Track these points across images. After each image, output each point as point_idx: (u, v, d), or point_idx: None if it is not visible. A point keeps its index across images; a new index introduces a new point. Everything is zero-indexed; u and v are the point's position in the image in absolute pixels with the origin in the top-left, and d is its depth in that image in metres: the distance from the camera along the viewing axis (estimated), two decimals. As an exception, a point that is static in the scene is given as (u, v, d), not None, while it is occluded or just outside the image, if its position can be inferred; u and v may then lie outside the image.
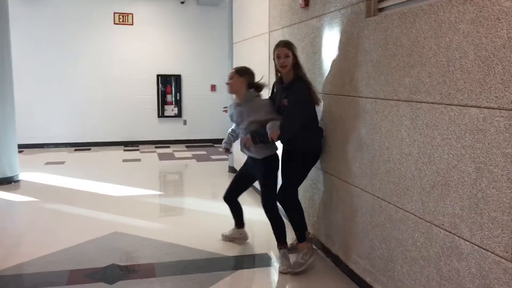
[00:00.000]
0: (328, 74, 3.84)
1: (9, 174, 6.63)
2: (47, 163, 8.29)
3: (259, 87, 3.89)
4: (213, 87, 10.83)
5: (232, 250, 4.23)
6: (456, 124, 2.31)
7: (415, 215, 2.68)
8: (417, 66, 2.61)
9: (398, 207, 2.84)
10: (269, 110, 3.77)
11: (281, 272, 3.68)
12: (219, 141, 10.63)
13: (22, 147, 8.46)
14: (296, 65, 3.64)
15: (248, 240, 4.42)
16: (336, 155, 3.72)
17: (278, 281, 3.70)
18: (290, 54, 3.58)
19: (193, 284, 3.52)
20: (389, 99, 2.91)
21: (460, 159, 2.30)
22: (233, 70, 4.01)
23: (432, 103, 2.49)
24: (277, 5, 5.13)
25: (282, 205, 3.82)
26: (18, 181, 6.76)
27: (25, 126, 9.12)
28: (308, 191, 4.34)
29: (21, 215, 5.48)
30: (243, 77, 3.86)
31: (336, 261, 3.79)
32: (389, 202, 2.95)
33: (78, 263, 3.87)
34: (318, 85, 3.99)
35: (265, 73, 5.56)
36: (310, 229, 4.31)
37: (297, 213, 3.79)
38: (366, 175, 3.24)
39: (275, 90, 3.96)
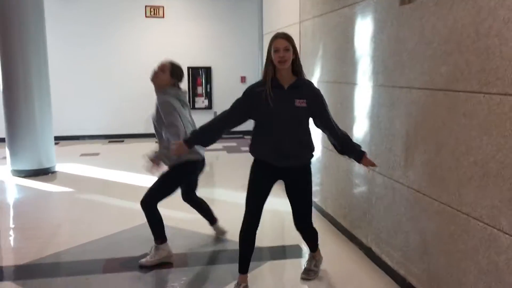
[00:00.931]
0: (360, 63, 3.77)
1: (46, 165, 6.82)
2: (82, 155, 8.48)
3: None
4: (243, 79, 10.82)
5: (263, 241, 4.23)
6: (495, 113, 2.24)
7: (451, 207, 2.61)
8: (455, 54, 2.53)
9: (434, 199, 2.78)
10: None
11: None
12: (249, 132, 10.66)
13: (58, 139, 8.67)
14: (296, 61, 3.04)
15: (273, 231, 4.41)
16: (369, 147, 3.66)
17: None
18: (291, 47, 2.96)
19: (225, 274, 3.55)
20: (425, 88, 2.83)
21: (499, 149, 2.22)
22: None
23: (470, 92, 2.42)
24: (308, -6, 5.08)
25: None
26: (54, 172, 6.95)
27: (61, 119, 9.34)
28: (341, 182, 4.29)
29: (58, 205, 5.63)
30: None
31: (369, 253, 3.75)
32: (424, 194, 2.89)
33: (114, 252, 3.96)
34: (351, 75, 3.93)
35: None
36: (342, 220, 4.28)
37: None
38: (399, 166, 3.18)
39: (255, 93, 3.08)
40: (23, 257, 3.85)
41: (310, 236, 3.45)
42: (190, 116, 3.89)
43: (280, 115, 2.99)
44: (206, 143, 3.28)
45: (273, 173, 3.09)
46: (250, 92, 3.09)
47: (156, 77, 3.77)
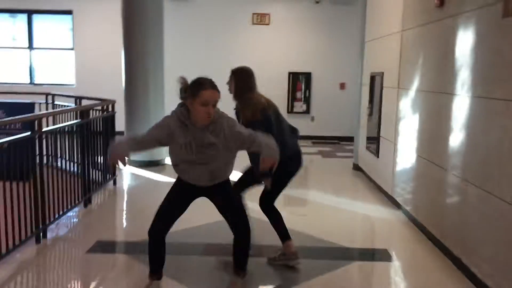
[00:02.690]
0: (460, 74, 3.80)
1: (157, 158, 7.53)
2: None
3: None
4: (342, 86, 10.94)
5: (351, 243, 4.39)
6: None
7: (543, 221, 2.61)
8: (554, 68, 2.54)
9: (526, 212, 2.78)
10: None
11: None
12: (345, 138, 10.78)
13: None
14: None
15: (367, 236, 4.53)
16: (464, 157, 3.67)
17: (395, 277, 3.79)
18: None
19: (311, 269, 3.77)
20: (522, 101, 2.84)
21: None
22: None
23: None
24: (411, 4, 5.13)
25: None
26: (164, 164, 7.64)
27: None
28: (431, 192, 4.32)
29: (165, 193, 6.21)
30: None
31: (457, 263, 3.75)
32: (516, 206, 2.89)
33: (212, 238, 4.36)
34: (450, 85, 3.95)
35: (395, 72, 5.59)
36: (433, 230, 4.30)
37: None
38: (493, 177, 3.19)
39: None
40: (134, 235, 4.38)
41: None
42: None
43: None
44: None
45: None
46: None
47: None
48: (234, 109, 3.67)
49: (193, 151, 2.86)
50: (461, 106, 3.75)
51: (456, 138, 3.82)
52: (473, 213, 3.50)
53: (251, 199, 3.83)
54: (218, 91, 2.84)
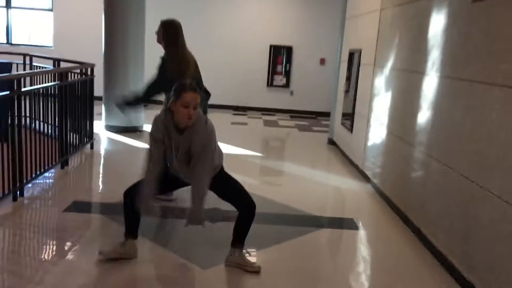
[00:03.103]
0: (431, 54, 3.95)
1: (134, 124, 7.58)
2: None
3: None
4: (322, 61, 11.05)
5: (321, 212, 4.59)
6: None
7: (492, 193, 2.81)
8: (514, 52, 2.70)
9: (480, 186, 2.98)
10: None
11: None
12: (323, 114, 10.96)
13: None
14: None
15: (336, 206, 4.72)
16: (429, 134, 3.86)
17: (359, 244, 4.01)
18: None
19: (282, 234, 3.95)
20: (484, 83, 3.01)
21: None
22: None
23: (523, 88, 2.59)
24: (391, -17, 5.23)
25: None
26: (142, 131, 7.71)
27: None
28: (398, 167, 4.52)
29: (140, 158, 6.31)
30: None
31: (416, 233, 3.98)
32: (472, 181, 3.09)
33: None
34: (422, 64, 4.11)
35: (372, 50, 5.73)
36: (398, 202, 4.51)
37: None
38: (455, 154, 3.38)
39: None
40: (109, 197, 4.48)
41: None
42: None
43: None
44: None
45: None
46: None
47: None
48: (161, 57, 4.10)
49: (173, 157, 3.04)
50: (430, 85, 3.92)
51: (424, 115, 4.00)
52: (435, 187, 3.71)
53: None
54: (199, 94, 2.98)
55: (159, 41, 4.16)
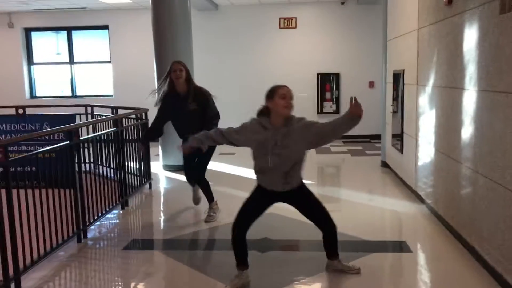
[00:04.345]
0: (468, 69, 3.92)
1: (189, 162, 7.89)
2: (221, 154, 9.46)
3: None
4: (371, 84, 11.01)
5: (374, 236, 4.54)
6: None
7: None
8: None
9: (526, 199, 2.90)
10: None
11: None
12: (375, 136, 10.82)
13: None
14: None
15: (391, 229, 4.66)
16: (474, 149, 3.79)
17: (414, 267, 3.95)
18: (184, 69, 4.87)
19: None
20: (519, 93, 2.97)
21: None
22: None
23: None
24: (424, 2, 5.25)
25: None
26: (196, 167, 7.99)
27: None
28: (448, 185, 4.43)
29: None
30: None
31: (471, 251, 3.86)
32: (518, 194, 3.01)
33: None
34: (460, 80, 4.07)
35: (413, 69, 5.71)
36: (451, 221, 4.41)
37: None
38: (498, 168, 3.31)
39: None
40: (167, 233, 4.72)
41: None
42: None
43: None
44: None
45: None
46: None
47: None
48: (210, 94, 5.18)
49: (269, 152, 3.28)
50: (469, 100, 3.88)
51: (467, 131, 3.94)
52: (483, 203, 3.62)
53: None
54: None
55: (186, 79, 4.93)
